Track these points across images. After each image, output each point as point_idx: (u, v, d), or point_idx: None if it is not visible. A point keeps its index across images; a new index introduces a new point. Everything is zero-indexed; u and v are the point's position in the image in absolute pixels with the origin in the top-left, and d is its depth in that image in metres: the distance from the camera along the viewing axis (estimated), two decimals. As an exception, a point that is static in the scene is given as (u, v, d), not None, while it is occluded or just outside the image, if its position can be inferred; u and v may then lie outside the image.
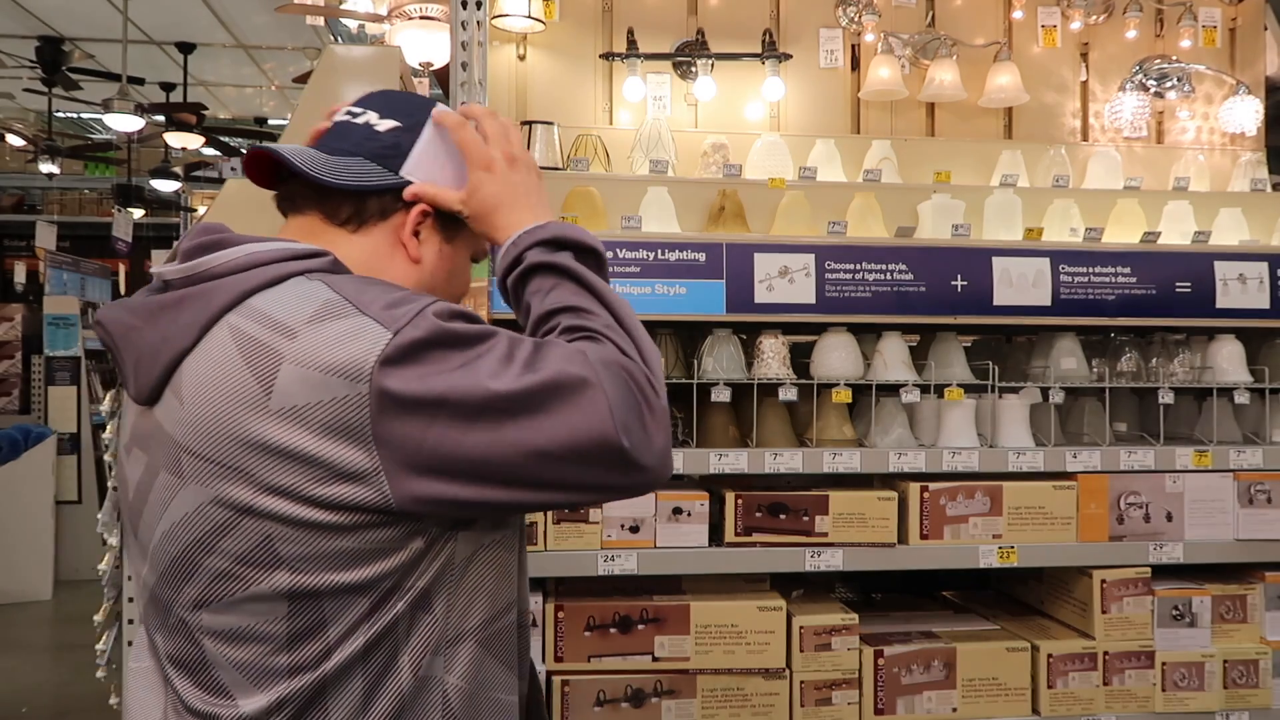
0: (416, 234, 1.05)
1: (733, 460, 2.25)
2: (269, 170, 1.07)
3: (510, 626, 1.02)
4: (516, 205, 1.06)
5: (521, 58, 2.98)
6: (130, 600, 2.35)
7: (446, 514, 0.92)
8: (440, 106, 1.11)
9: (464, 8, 2.29)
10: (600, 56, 3.00)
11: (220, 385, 0.88)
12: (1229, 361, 2.49)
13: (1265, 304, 2.47)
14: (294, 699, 0.89)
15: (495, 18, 2.83)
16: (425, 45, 3.60)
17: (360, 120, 1.06)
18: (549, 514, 2.16)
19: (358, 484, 0.86)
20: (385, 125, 1.05)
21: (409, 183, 1.04)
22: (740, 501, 2.26)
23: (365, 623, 0.90)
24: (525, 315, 1.05)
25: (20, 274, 9.41)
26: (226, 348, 0.89)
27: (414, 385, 0.86)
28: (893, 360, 2.39)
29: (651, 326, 2.09)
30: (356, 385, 0.85)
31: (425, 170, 1.06)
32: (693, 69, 2.97)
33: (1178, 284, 2.45)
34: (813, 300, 2.31)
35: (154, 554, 0.93)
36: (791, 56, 3.01)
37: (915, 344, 2.64)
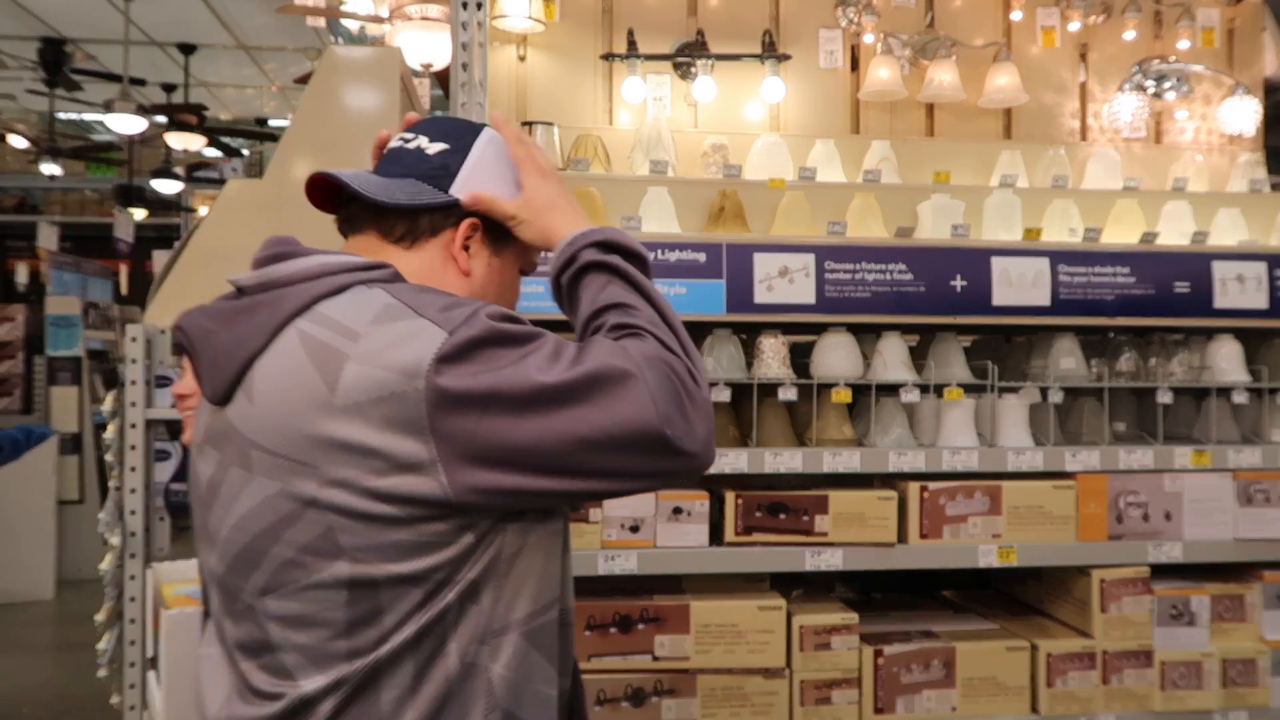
0: (466, 248, 1.12)
1: (733, 460, 2.26)
2: (329, 195, 1.14)
3: (552, 623, 1.06)
4: (567, 209, 1.15)
5: (522, 58, 2.99)
6: (132, 600, 2.36)
7: (501, 504, 0.97)
8: (495, 120, 1.20)
9: (464, 9, 2.29)
10: (600, 57, 3.00)
11: (289, 384, 0.95)
12: (1227, 361, 2.50)
13: (1263, 304, 2.47)
14: (350, 679, 0.94)
15: (495, 18, 2.84)
16: (426, 46, 3.61)
17: (412, 145, 1.14)
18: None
19: (417, 475, 0.92)
20: (435, 149, 1.13)
21: (457, 201, 1.11)
22: (740, 501, 2.26)
23: (418, 611, 0.95)
24: (574, 310, 1.12)
25: (22, 274, 9.42)
26: (295, 350, 0.96)
27: (467, 381, 0.92)
28: (892, 360, 2.40)
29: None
30: (414, 381, 0.91)
31: (473, 188, 1.13)
32: (693, 69, 2.98)
33: (1176, 284, 2.45)
34: (812, 300, 2.31)
35: (223, 545, 0.99)
36: (791, 57, 3.01)
37: (915, 344, 2.64)
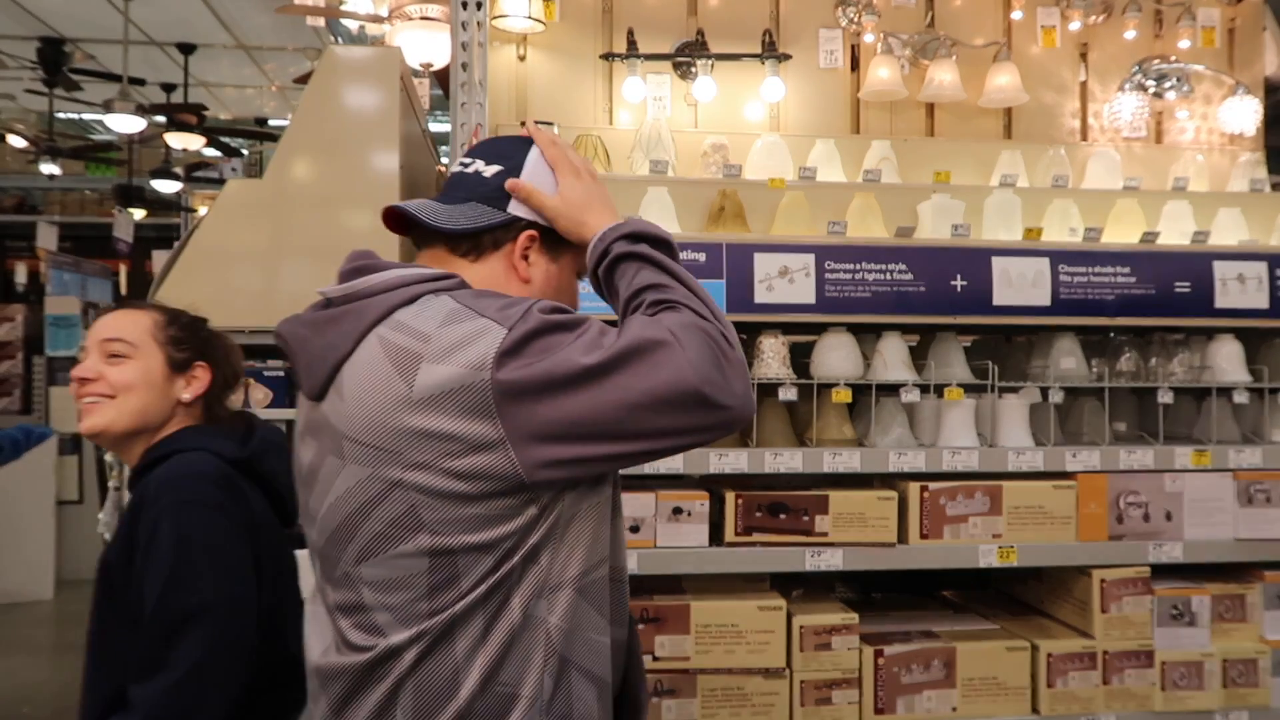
0: (526, 257, 1.25)
1: (733, 460, 2.26)
2: (401, 220, 1.27)
3: (602, 580, 1.19)
4: (600, 207, 1.26)
5: (521, 58, 2.99)
6: (131, 600, 2.36)
7: (567, 475, 1.09)
8: (529, 128, 1.33)
9: (464, 8, 2.29)
10: (600, 57, 3.00)
11: (373, 384, 1.09)
12: (1228, 361, 2.50)
13: (1264, 304, 2.47)
14: (429, 632, 1.09)
15: (495, 18, 2.83)
16: (425, 46, 3.60)
17: (471, 170, 1.27)
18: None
19: (489, 453, 1.05)
20: (491, 171, 1.26)
21: (516, 218, 1.23)
22: (740, 501, 2.26)
23: (490, 575, 1.09)
24: (614, 298, 1.23)
25: (21, 274, 9.39)
26: (376, 354, 1.10)
27: (524, 371, 1.05)
28: (893, 360, 2.40)
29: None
30: (481, 374, 1.05)
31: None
32: (693, 69, 2.98)
33: (1177, 284, 2.45)
34: (813, 300, 2.31)
35: (322, 521, 1.15)
36: (791, 57, 3.01)
37: (915, 344, 2.64)
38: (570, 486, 1.13)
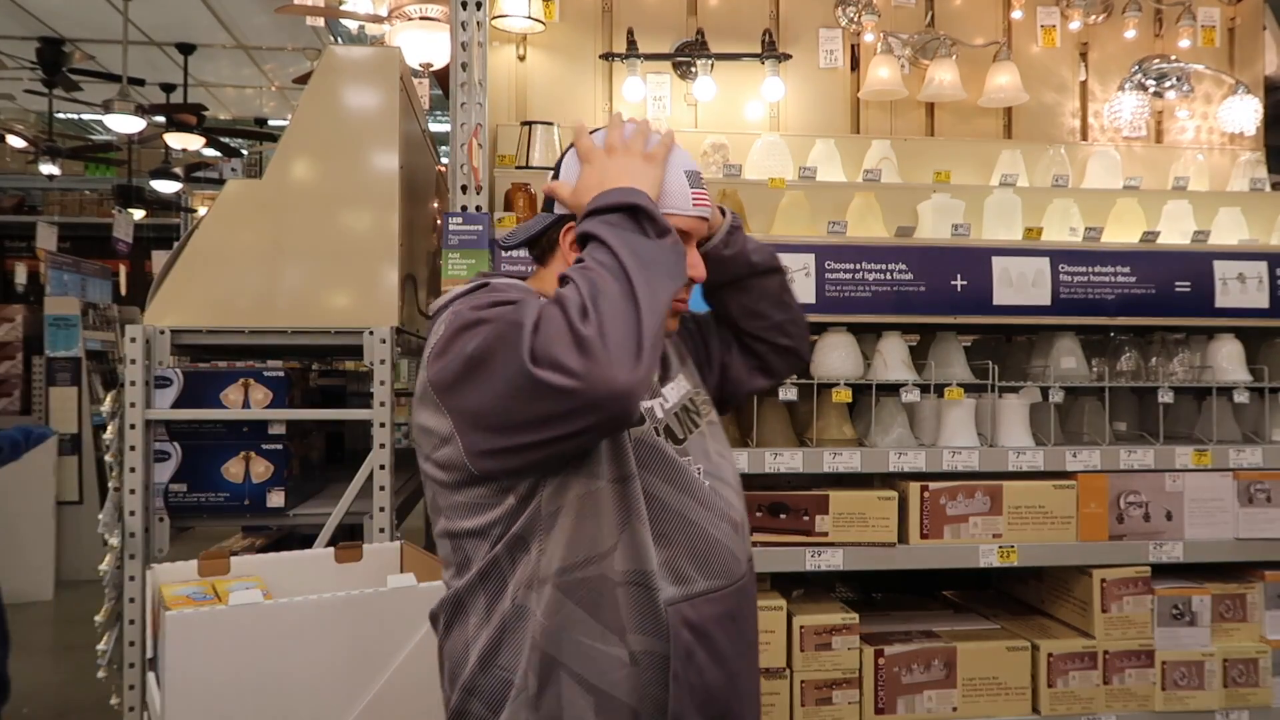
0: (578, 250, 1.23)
1: (733, 460, 2.25)
2: None
3: (594, 579, 1.15)
4: (605, 185, 1.20)
5: (521, 58, 2.99)
6: (131, 601, 2.36)
7: (501, 464, 1.11)
8: (579, 127, 1.32)
9: (464, 8, 2.29)
10: (600, 57, 3.00)
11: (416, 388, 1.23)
12: (1228, 361, 2.50)
13: (1264, 303, 2.47)
14: (446, 602, 1.23)
15: (495, 18, 2.83)
16: (425, 46, 3.60)
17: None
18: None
19: (450, 446, 1.14)
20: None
21: (558, 217, 1.27)
22: (740, 501, 2.26)
23: (485, 558, 1.17)
24: None
25: (21, 275, 9.38)
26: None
27: (442, 371, 1.13)
28: (893, 360, 2.39)
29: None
30: (424, 373, 1.16)
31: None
32: (692, 69, 2.97)
33: (1177, 283, 2.45)
34: (813, 300, 2.31)
35: None
36: (791, 56, 3.01)
37: (915, 344, 2.64)
38: (551, 476, 1.14)
